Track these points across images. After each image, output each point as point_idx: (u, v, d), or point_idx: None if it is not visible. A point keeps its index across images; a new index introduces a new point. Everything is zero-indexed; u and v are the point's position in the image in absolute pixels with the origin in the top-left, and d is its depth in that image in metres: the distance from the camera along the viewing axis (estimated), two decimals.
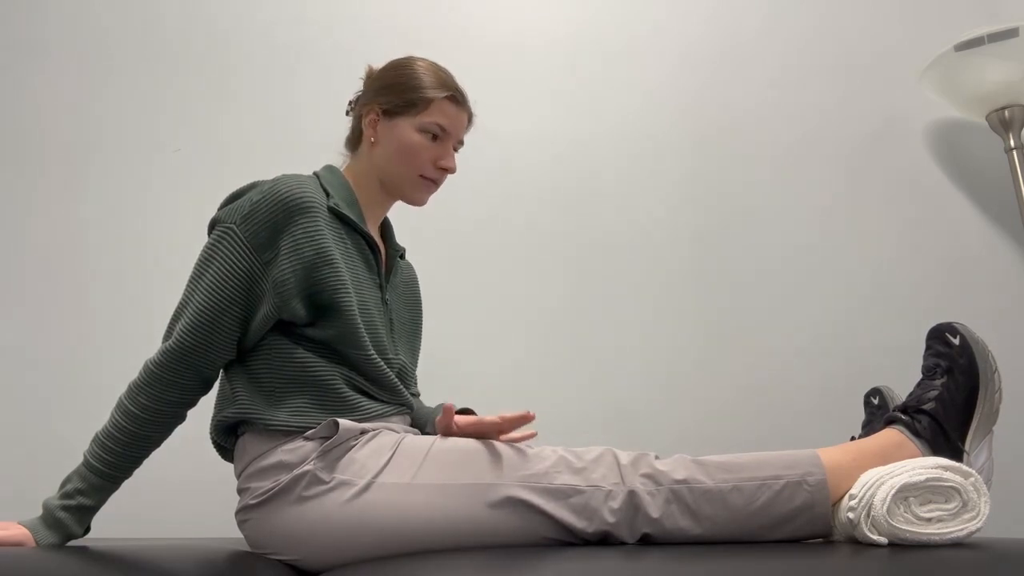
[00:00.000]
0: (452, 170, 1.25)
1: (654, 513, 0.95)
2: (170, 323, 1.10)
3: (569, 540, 0.98)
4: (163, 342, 1.08)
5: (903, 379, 1.27)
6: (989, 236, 1.97)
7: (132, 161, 2.02)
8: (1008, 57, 1.78)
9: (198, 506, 1.71)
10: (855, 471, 0.95)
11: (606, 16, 2.13)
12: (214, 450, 1.17)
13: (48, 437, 1.81)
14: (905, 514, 0.86)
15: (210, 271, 1.07)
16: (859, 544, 0.90)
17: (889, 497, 0.86)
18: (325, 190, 1.17)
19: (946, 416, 1.00)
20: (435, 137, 1.22)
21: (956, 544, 0.85)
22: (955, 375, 1.02)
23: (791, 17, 2.13)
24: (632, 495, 0.96)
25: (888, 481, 0.88)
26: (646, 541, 0.96)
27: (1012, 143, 1.86)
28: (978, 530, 0.86)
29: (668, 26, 2.12)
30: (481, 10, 2.13)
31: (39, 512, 1.02)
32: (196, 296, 1.06)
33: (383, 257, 1.26)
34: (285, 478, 1.02)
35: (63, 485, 1.03)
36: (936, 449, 0.99)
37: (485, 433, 1.10)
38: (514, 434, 1.16)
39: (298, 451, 1.03)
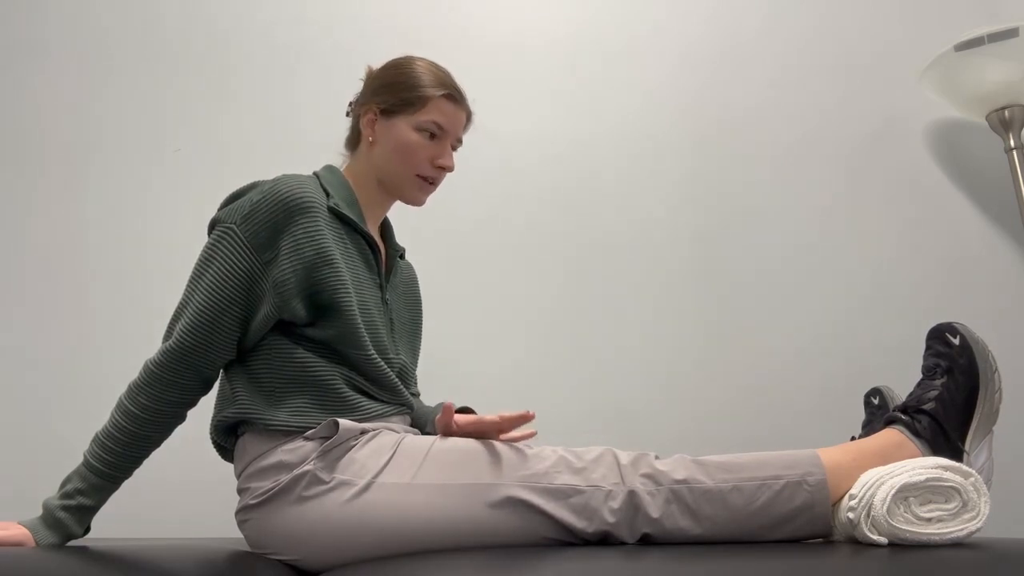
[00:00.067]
0: (450, 168, 1.24)
1: (654, 513, 0.95)
2: (170, 323, 1.10)
3: (569, 540, 0.98)
4: (163, 342, 1.08)
5: (903, 379, 1.27)
6: (989, 236, 1.97)
7: (132, 161, 2.02)
8: (1008, 57, 1.78)
9: (198, 506, 1.70)
10: (855, 471, 0.95)
11: (606, 16, 2.13)
12: (214, 450, 1.17)
13: (48, 437, 1.81)
14: (905, 514, 0.86)
15: (210, 271, 1.07)
16: (859, 544, 0.90)
17: (889, 497, 0.86)
18: (325, 190, 1.17)
19: (946, 416, 1.00)
20: (433, 136, 1.22)
21: (956, 544, 0.85)
22: (955, 375, 1.02)
23: (791, 17, 2.13)
24: (632, 495, 0.96)
25: (888, 481, 0.88)
26: (646, 541, 0.96)
27: (1012, 143, 1.86)
28: (978, 530, 0.86)
29: (668, 26, 2.12)
30: (481, 10, 2.13)
31: (39, 512, 1.02)
32: (196, 296, 1.06)
33: (383, 257, 1.26)
34: (285, 478, 1.02)
35: (63, 485, 1.03)
36: (936, 449, 0.99)
37: (485, 432, 1.10)
38: (514, 433, 1.16)
39: (298, 451, 1.03)
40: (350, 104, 1.30)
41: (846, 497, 0.93)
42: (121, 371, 1.21)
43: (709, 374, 1.89)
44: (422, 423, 1.27)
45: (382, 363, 1.13)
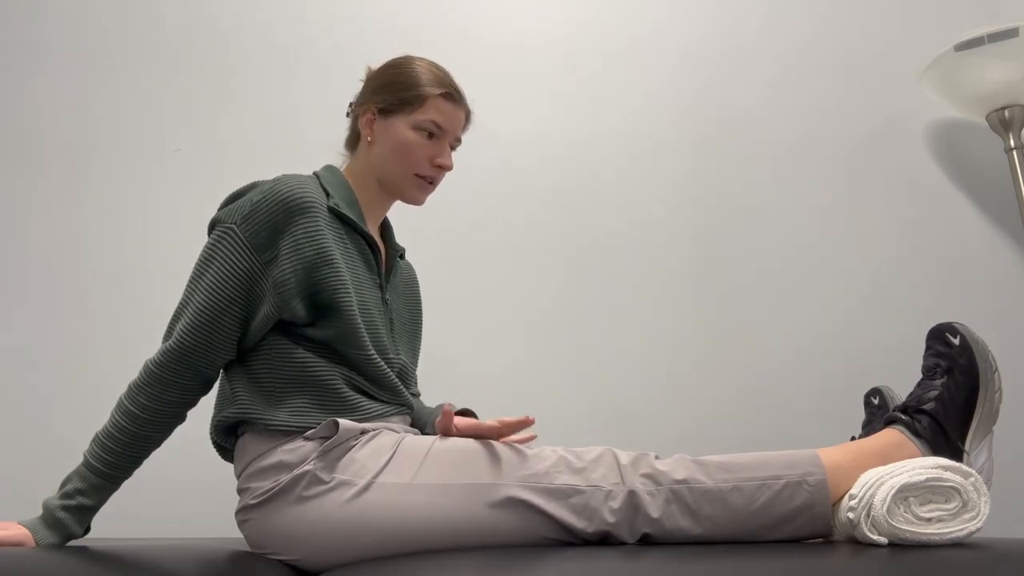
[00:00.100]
0: (448, 168, 1.24)
1: (654, 513, 0.95)
2: (170, 323, 1.10)
3: (569, 540, 0.98)
4: (163, 342, 1.08)
5: (903, 379, 1.27)
6: (989, 236, 1.97)
7: (132, 161, 2.02)
8: (1008, 57, 1.78)
9: (198, 506, 1.70)
10: (855, 471, 0.95)
11: (606, 16, 2.13)
12: (214, 450, 1.17)
13: (48, 437, 1.81)
14: (905, 514, 0.86)
15: (210, 271, 1.07)
16: (859, 544, 0.90)
17: (889, 497, 0.86)
18: (325, 190, 1.17)
19: (946, 416, 1.00)
20: (431, 135, 1.22)
21: (956, 544, 0.85)
22: (955, 375, 1.02)
23: (791, 17, 2.13)
24: (632, 495, 0.96)
25: (888, 481, 0.88)
26: (646, 541, 0.96)
27: (1012, 143, 1.86)
28: (978, 530, 0.86)
29: (668, 26, 2.12)
30: (481, 10, 2.13)
31: (39, 512, 1.02)
32: (196, 296, 1.06)
33: (383, 257, 1.26)
34: (285, 478, 1.02)
35: (63, 485, 1.03)
36: (936, 449, 0.99)
37: (484, 437, 1.10)
38: (513, 437, 1.16)
39: (298, 451, 1.03)
40: (350, 104, 1.30)
41: (846, 497, 0.93)
42: (121, 371, 1.21)
43: (709, 374, 1.89)
44: (422, 423, 1.27)
45: (382, 363, 1.13)
